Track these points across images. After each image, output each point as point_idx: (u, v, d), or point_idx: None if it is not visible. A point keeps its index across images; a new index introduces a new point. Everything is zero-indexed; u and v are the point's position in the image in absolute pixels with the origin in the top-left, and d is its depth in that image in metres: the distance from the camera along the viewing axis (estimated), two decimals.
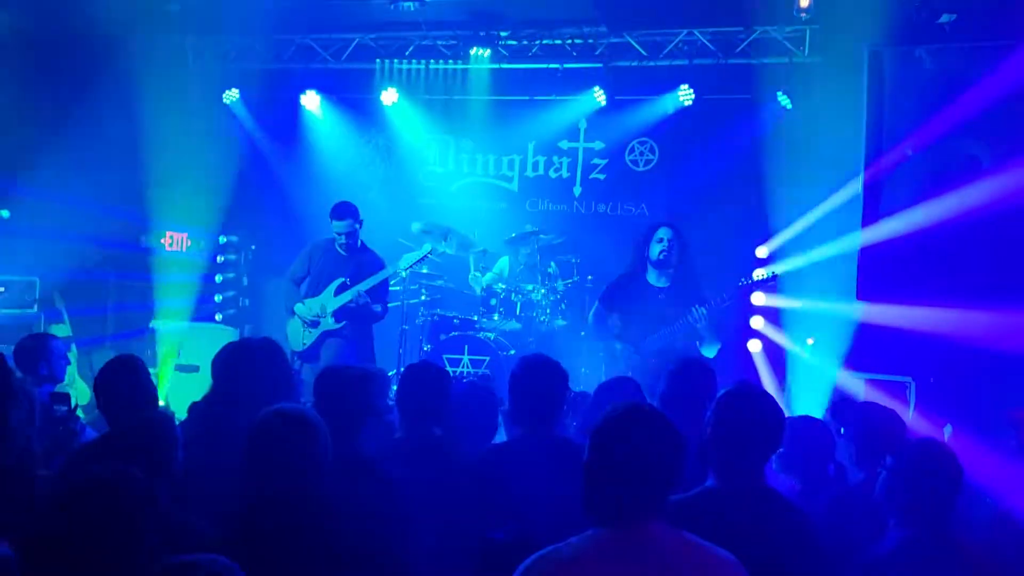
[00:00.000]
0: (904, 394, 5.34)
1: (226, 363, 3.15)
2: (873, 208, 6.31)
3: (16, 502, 2.28)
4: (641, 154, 7.42)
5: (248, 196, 7.62)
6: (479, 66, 7.33)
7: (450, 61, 7.41)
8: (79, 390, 5.54)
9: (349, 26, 7.41)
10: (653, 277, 4.99)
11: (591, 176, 7.57)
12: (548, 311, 6.31)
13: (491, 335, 6.25)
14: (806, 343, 6.17)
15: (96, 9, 6.21)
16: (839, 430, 3.39)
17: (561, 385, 3.05)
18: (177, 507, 2.33)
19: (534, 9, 6.98)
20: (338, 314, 5.53)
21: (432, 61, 7.45)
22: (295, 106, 7.74)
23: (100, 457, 2.39)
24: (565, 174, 7.62)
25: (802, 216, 6.39)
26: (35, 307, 6.51)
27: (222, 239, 7.80)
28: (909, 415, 5.04)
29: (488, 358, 6.11)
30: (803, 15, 6.13)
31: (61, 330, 6.36)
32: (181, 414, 3.28)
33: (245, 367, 3.10)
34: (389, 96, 7.54)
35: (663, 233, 4.95)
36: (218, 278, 7.81)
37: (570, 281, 6.63)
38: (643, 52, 7.00)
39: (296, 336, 5.64)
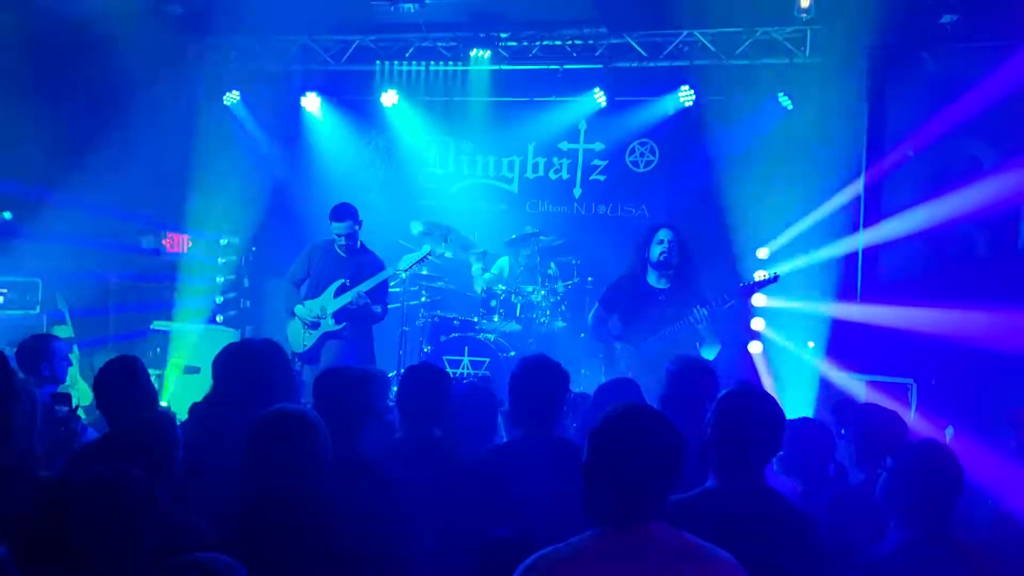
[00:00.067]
0: (905, 396, 5.33)
1: (227, 364, 3.15)
2: (874, 209, 6.31)
3: (18, 502, 2.28)
4: (641, 155, 7.42)
5: (249, 198, 7.62)
6: (479, 67, 7.34)
7: (450, 63, 7.42)
8: (81, 391, 5.55)
9: (349, 28, 7.42)
10: (653, 279, 4.99)
11: (591, 177, 7.57)
12: (548, 312, 6.31)
13: (491, 336, 6.25)
14: (807, 346, 6.16)
15: (96, 10, 6.23)
16: (840, 431, 3.39)
17: (561, 386, 3.05)
18: (177, 507, 2.33)
19: (534, 10, 6.98)
20: (338, 315, 5.53)
21: (432, 63, 7.46)
22: (296, 108, 7.74)
23: (101, 458, 2.39)
24: (565, 175, 7.62)
25: (803, 217, 6.39)
26: (37, 308, 6.52)
27: (223, 241, 7.80)
28: (911, 416, 5.03)
29: (488, 359, 6.11)
30: (804, 16, 6.13)
31: (63, 331, 6.37)
32: (183, 415, 3.29)
33: (246, 368, 3.11)
34: (389, 98, 7.55)
35: (663, 235, 4.95)
36: (218, 279, 7.82)
37: (570, 282, 6.63)
38: (643, 53, 7.00)
39: (296, 337, 5.65)
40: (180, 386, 6.48)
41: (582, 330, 6.15)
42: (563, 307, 6.41)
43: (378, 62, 7.52)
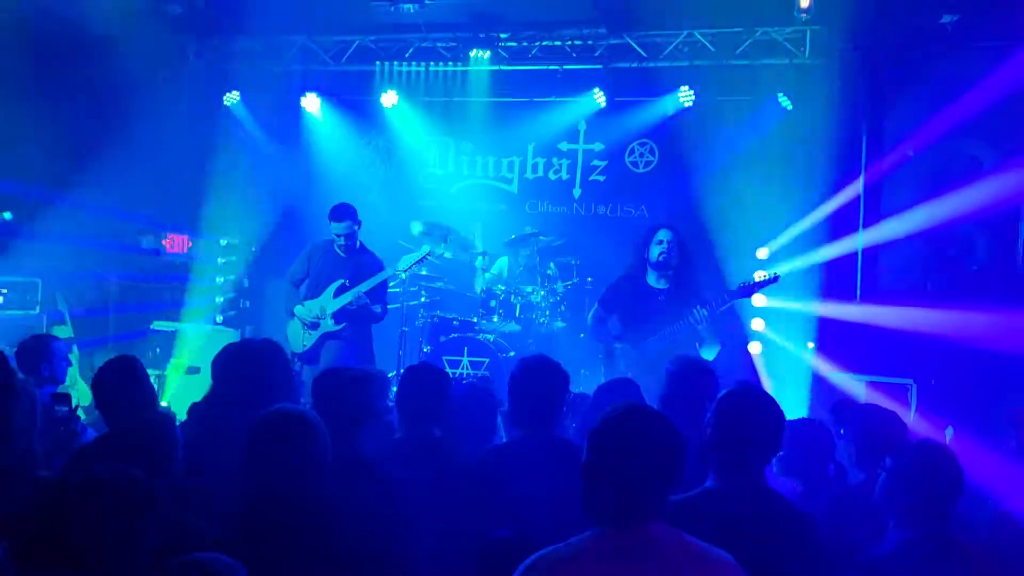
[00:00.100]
0: (905, 396, 5.33)
1: (226, 364, 3.15)
2: (874, 209, 6.31)
3: (17, 502, 2.28)
4: (641, 155, 7.42)
5: (249, 198, 7.63)
6: (479, 68, 7.34)
7: (450, 63, 7.42)
8: (80, 391, 5.55)
9: (349, 28, 7.43)
10: (653, 279, 4.99)
11: (591, 178, 7.57)
12: (547, 313, 6.31)
13: (490, 337, 6.25)
14: (807, 346, 6.17)
15: (96, 11, 6.23)
16: (839, 431, 3.39)
17: (561, 386, 3.05)
18: (177, 507, 2.33)
19: (534, 11, 6.99)
20: (338, 316, 5.53)
21: (432, 63, 7.46)
22: (295, 108, 7.75)
23: (101, 458, 2.39)
24: (565, 176, 7.62)
25: (803, 217, 6.39)
26: (37, 308, 6.52)
27: (223, 241, 7.81)
28: (910, 417, 5.03)
29: (488, 360, 6.11)
30: (803, 16, 6.13)
31: (63, 331, 6.37)
32: (184, 415, 3.29)
33: (245, 368, 3.11)
34: (389, 98, 7.55)
35: (662, 235, 4.94)
36: (218, 280, 7.82)
37: (570, 283, 6.63)
38: (643, 53, 7.00)
39: (296, 338, 5.64)
40: (181, 386, 6.48)
41: (581, 330, 6.15)
42: (562, 307, 6.41)
43: (378, 62, 7.52)
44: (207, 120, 7.51)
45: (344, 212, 5.49)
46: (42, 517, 2.03)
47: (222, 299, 7.82)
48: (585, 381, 5.45)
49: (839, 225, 6.29)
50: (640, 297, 4.96)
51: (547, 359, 3.07)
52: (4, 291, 6.41)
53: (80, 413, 3.38)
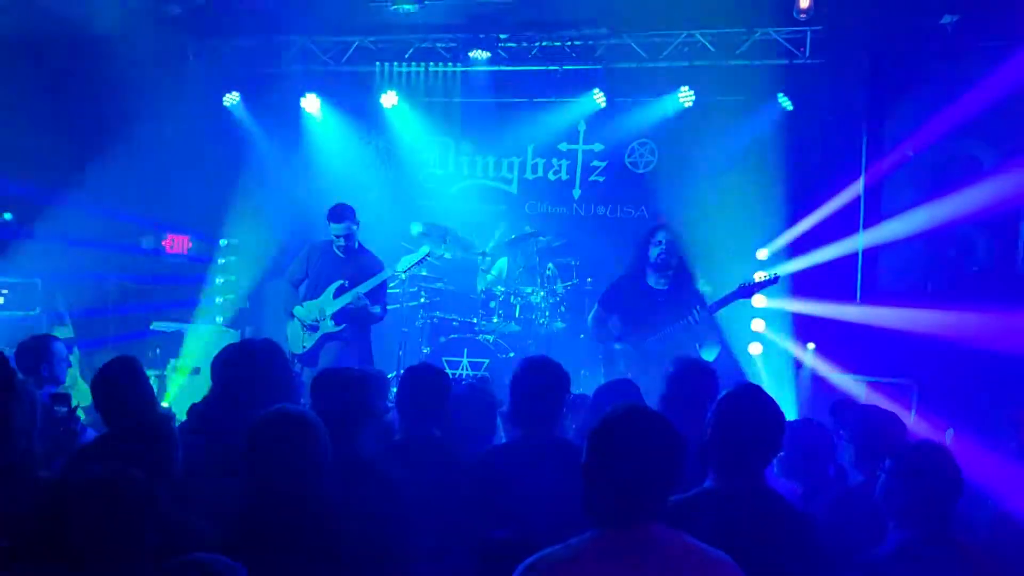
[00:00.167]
0: (906, 397, 5.34)
1: (226, 365, 3.15)
2: (874, 210, 6.32)
3: (17, 503, 2.28)
4: (641, 156, 7.42)
5: (249, 199, 7.63)
6: (479, 68, 7.34)
7: (449, 64, 7.42)
8: (80, 392, 5.54)
9: (349, 29, 7.42)
10: (652, 279, 4.99)
11: (591, 178, 7.57)
12: (547, 313, 6.31)
13: (490, 338, 6.25)
14: (807, 347, 6.17)
15: (96, 11, 6.23)
16: (839, 432, 3.39)
17: (562, 387, 3.05)
18: (177, 507, 2.33)
19: (533, 11, 6.98)
20: (337, 317, 5.52)
21: (432, 63, 7.46)
22: (295, 109, 7.75)
23: (100, 458, 2.39)
24: (564, 176, 7.62)
25: (803, 218, 6.39)
26: (37, 309, 6.52)
27: (223, 241, 7.81)
28: (911, 418, 5.03)
29: (487, 360, 6.11)
30: (803, 16, 6.13)
31: (63, 332, 6.36)
32: (184, 416, 3.29)
33: (245, 369, 3.11)
34: (389, 99, 7.55)
35: (661, 236, 4.95)
36: (218, 280, 7.82)
37: (569, 283, 6.63)
38: (643, 54, 7.00)
39: (296, 339, 5.64)
40: (184, 387, 6.47)
41: (581, 331, 6.15)
42: (562, 308, 6.42)
43: (378, 63, 7.52)
44: (207, 120, 7.51)
45: (343, 213, 5.48)
46: (42, 517, 2.03)
47: (222, 299, 7.82)
48: (585, 382, 5.45)
49: (839, 226, 6.29)
50: (640, 298, 4.96)
51: (548, 360, 3.08)
52: (4, 291, 6.41)
53: (80, 413, 3.38)
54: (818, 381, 5.77)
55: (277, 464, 2.28)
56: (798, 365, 5.99)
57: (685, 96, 6.94)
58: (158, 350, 6.90)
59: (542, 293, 6.30)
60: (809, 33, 6.57)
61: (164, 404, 5.75)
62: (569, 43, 7.17)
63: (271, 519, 2.23)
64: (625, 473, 1.82)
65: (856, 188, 6.31)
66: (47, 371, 4.04)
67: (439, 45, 7.39)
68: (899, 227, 6.04)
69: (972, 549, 2.46)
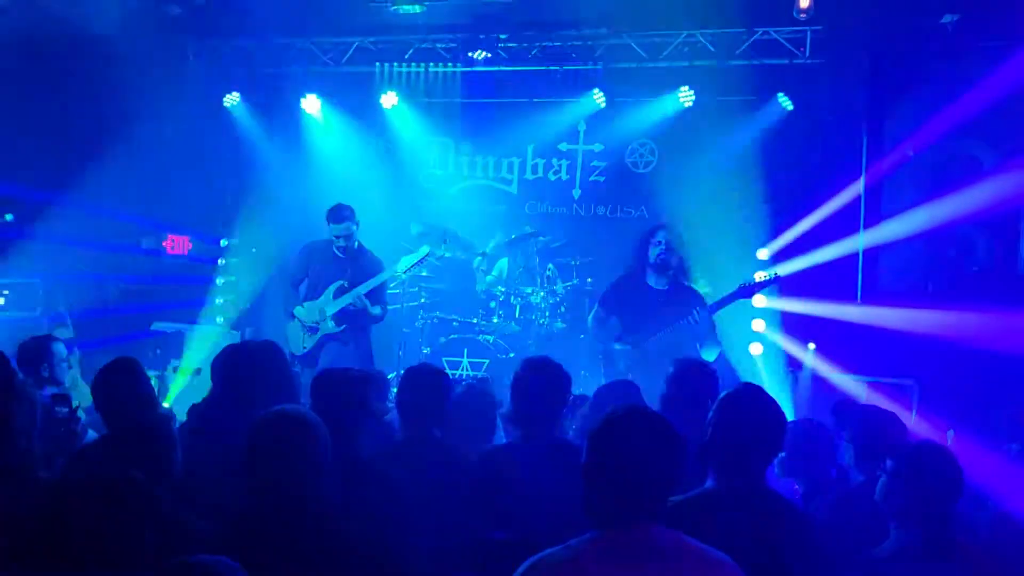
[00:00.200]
0: (907, 397, 5.33)
1: (226, 365, 3.16)
2: (874, 210, 6.32)
3: (17, 503, 2.28)
4: (641, 156, 7.42)
5: (249, 199, 7.63)
6: (479, 69, 7.34)
7: (450, 64, 7.42)
8: (81, 392, 5.54)
9: (349, 30, 7.42)
10: (652, 279, 4.99)
11: (591, 178, 7.57)
12: (547, 314, 6.31)
13: (490, 338, 6.25)
14: (807, 347, 6.17)
15: (96, 12, 6.23)
16: (839, 433, 3.39)
17: (564, 388, 3.05)
18: (177, 507, 2.33)
19: (533, 11, 6.98)
20: (337, 317, 5.52)
21: (432, 64, 7.46)
22: (295, 109, 7.75)
23: (100, 459, 2.39)
24: (564, 176, 7.62)
25: (803, 218, 6.38)
26: (38, 309, 6.52)
27: (223, 242, 7.81)
28: (912, 418, 5.03)
29: (488, 361, 6.11)
30: (803, 16, 6.13)
31: (63, 332, 6.36)
32: (184, 416, 3.29)
33: (245, 369, 3.11)
34: (389, 99, 7.55)
35: (661, 236, 4.95)
36: (219, 281, 7.82)
37: (569, 284, 6.63)
38: (643, 54, 7.00)
39: (296, 339, 5.64)
40: (184, 387, 6.47)
41: (582, 331, 6.15)
42: (562, 308, 6.41)
43: (378, 64, 7.52)
44: (207, 120, 7.51)
45: (342, 213, 5.48)
46: (42, 518, 2.03)
47: (222, 300, 7.82)
48: (585, 382, 5.44)
49: (839, 226, 6.28)
50: (640, 298, 4.96)
51: (550, 360, 3.08)
52: (5, 292, 6.41)
53: (80, 414, 3.38)
54: (818, 381, 5.77)
55: (277, 464, 2.28)
56: (797, 366, 6.00)
57: (685, 96, 6.94)
58: (158, 351, 6.90)
59: (542, 293, 6.30)
60: (809, 33, 6.57)
61: (165, 404, 5.75)
62: (569, 43, 7.17)
63: (271, 519, 2.23)
64: (625, 474, 1.82)
65: (856, 188, 6.31)
66: (47, 371, 4.04)
67: (439, 45, 7.39)
68: (899, 227, 6.04)
69: (972, 549, 2.46)
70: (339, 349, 5.53)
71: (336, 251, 5.57)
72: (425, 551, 2.61)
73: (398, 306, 6.47)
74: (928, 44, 6.14)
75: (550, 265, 6.62)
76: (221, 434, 2.85)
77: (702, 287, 5.30)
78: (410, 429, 3.09)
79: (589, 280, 6.61)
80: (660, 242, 4.92)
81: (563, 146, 7.59)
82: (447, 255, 6.21)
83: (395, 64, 7.49)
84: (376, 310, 5.56)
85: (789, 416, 2.73)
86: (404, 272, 5.86)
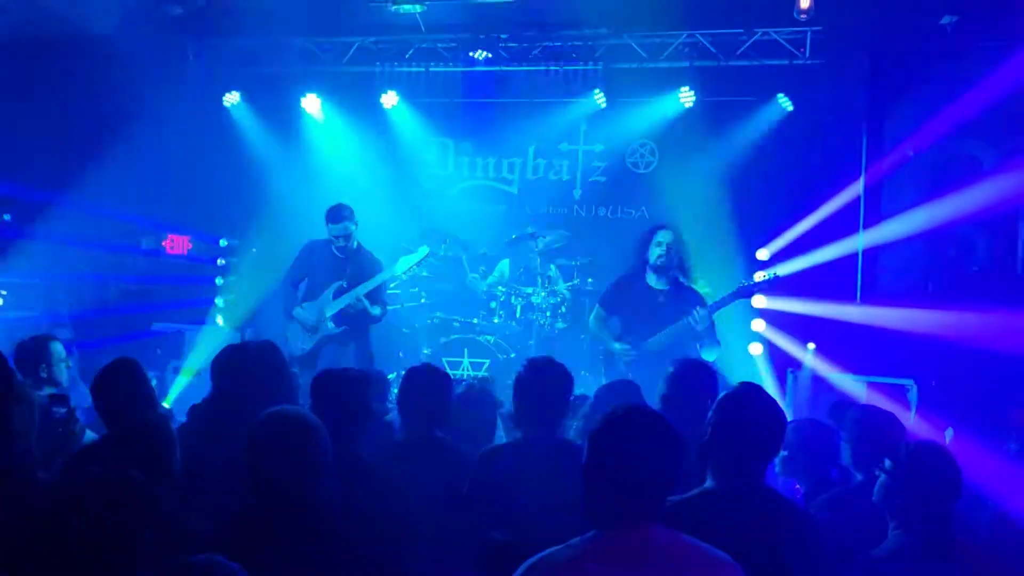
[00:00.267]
0: (905, 397, 5.33)
1: (225, 366, 3.15)
2: (874, 210, 6.32)
3: (17, 504, 2.28)
4: (642, 156, 7.42)
5: (249, 199, 7.63)
6: (479, 69, 7.34)
7: (450, 64, 7.42)
8: (80, 393, 5.54)
9: (349, 29, 7.42)
10: (653, 280, 4.99)
11: (591, 179, 7.57)
12: (548, 314, 6.31)
13: (491, 338, 6.25)
14: (807, 347, 6.17)
15: (97, 11, 6.23)
16: (839, 433, 3.39)
17: (566, 389, 3.05)
18: (177, 508, 2.33)
19: (534, 11, 6.98)
20: (337, 318, 5.52)
21: (432, 64, 7.46)
22: (296, 109, 7.74)
23: (100, 459, 2.39)
24: (565, 177, 7.62)
25: (803, 218, 6.38)
26: (37, 309, 6.52)
27: (223, 242, 7.80)
28: (911, 418, 5.03)
29: (488, 361, 6.11)
30: (803, 16, 6.13)
31: (63, 333, 6.37)
32: (184, 416, 3.29)
33: (244, 370, 3.11)
34: (389, 99, 7.55)
35: (662, 236, 4.94)
36: (218, 281, 7.82)
37: (570, 284, 6.63)
38: (643, 54, 7.00)
39: (296, 340, 5.64)
40: (184, 388, 6.47)
41: (582, 331, 6.15)
42: (563, 309, 6.41)
43: (378, 64, 7.51)
44: (207, 120, 7.51)
45: (341, 213, 5.47)
46: (41, 518, 2.03)
47: (222, 300, 7.82)
48: (585, 382, 5.44)
49: (839, 226, 6.29)
50: (640, 298, 4.96)
51: (553, 361, 3.08)
52: (4, 292, 6.41)
53: (79, 415, 3.38)
54: (818, 381, 5.77)
55: (277, 465, 2.28)
56: (797, 366, 5.99)
57: (685, 96, 6.94)
58: (158, 351, 6.90)
59: (543, 293, 6.30)
60: (809, 33, 6.57)
61: (165, 404, 5.75)
62: (570, 43, 7.17)
63: (271, 519, 2.23)
64: (625, 474, 1.82)
65: (856, 188, 6.31)
66: (46, 372, 4.04)
67: (440, 45, 7.39)
68: (899, 227, 6.04)
69: (972, 549, 2.46)
70: (339, 350, 5.52)
71: (335, 251, 5.56)
72: (425, 551, 2.61)
73: (398, 306, 6.47)
74: (928, 44, 6.14)
75: (551, 265, 6.62)
76: (221, 434, 2.85)
77: (702, 287, 5.29)
78: (411, 429, 3.10)
79: (590, 280, 6.61)
80: (661, 242, 4.92)
81: (564, 146, 7.59)
82: (448, 256, 6.21)
83: (395, 64, 7.49)
84: (376, 310, 5.55)
85: (788, 416, 2.73)
86: (403, 272, 5.85)
